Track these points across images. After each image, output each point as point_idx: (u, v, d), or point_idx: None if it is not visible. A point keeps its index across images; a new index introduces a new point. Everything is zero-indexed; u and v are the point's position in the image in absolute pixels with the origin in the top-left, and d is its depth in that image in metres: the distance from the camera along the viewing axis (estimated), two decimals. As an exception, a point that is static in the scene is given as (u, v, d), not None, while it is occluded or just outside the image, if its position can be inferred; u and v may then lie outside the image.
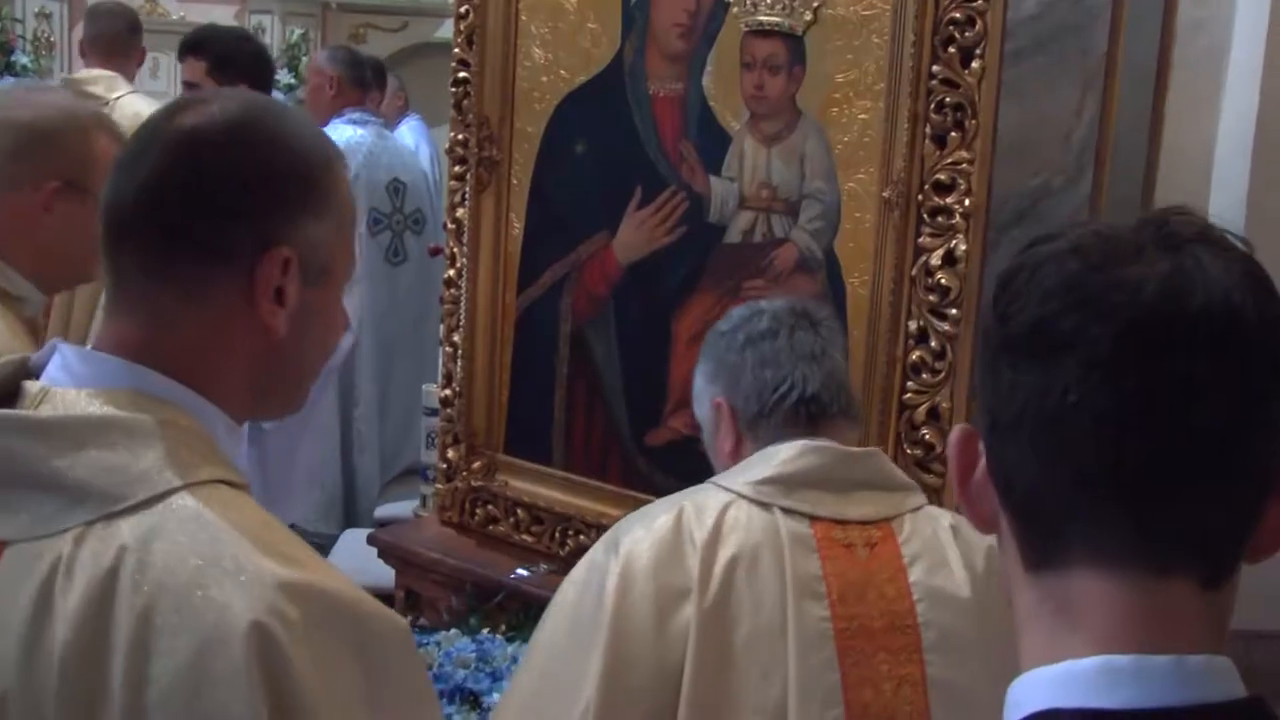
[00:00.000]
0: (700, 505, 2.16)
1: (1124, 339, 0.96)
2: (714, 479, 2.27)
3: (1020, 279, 1.02)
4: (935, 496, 2.90)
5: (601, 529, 2.79)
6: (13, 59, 9.84)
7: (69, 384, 1.35)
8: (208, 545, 1.25)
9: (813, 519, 2.16)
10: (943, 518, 2.25)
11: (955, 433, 1.11)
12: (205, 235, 1.37)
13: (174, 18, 10.10)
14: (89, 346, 1.42)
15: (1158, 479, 0.97)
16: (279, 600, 1.21)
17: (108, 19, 5.28)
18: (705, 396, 2.36)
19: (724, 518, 2.13)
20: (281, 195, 1.41)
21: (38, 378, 1.39)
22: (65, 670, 1.22)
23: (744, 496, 2.16)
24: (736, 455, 2.28)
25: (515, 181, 3.45)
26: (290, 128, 1.46)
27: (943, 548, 2.18)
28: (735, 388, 2.28)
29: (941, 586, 2.14)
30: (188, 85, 4.26)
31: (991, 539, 1.84)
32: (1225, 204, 3.41)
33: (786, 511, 2.15)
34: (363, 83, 5.74)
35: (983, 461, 1.07)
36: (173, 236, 1.37)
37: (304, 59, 9.93)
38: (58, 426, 1.31)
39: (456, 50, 3.52)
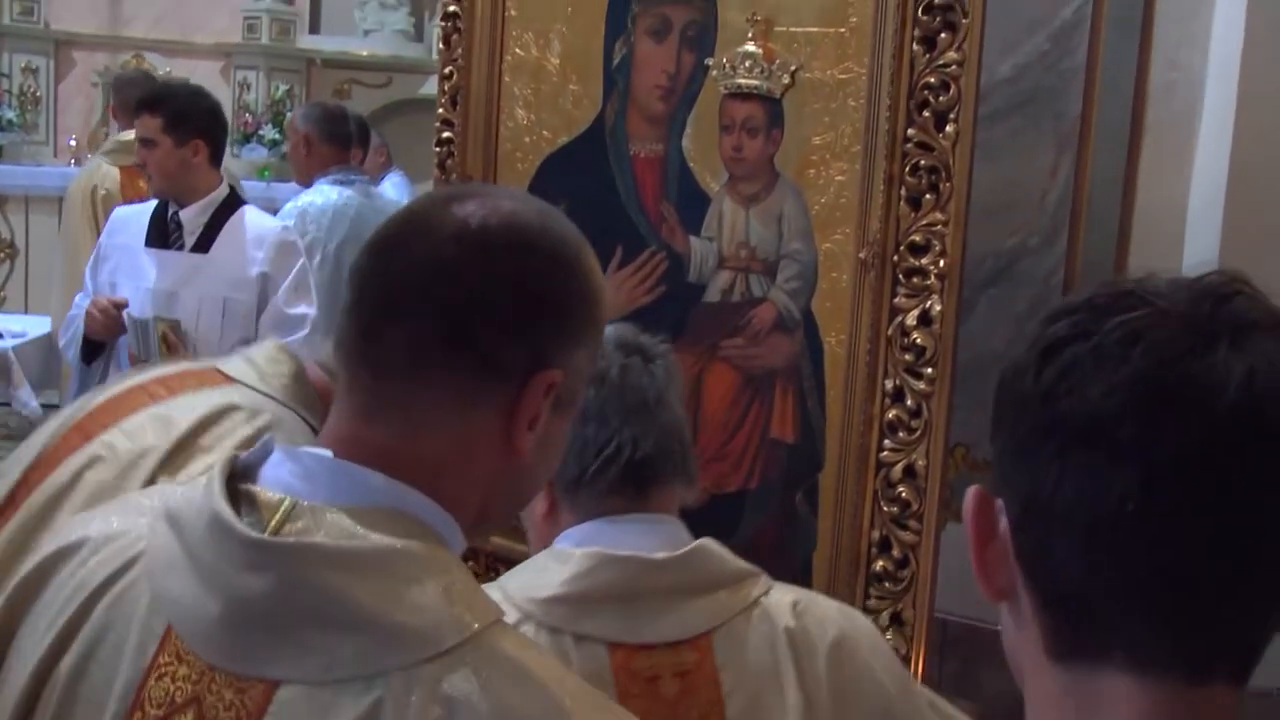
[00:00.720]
0: None
1: (1194, 453, 0.90)
2: (505, 579, 1.90)
3: (1076, 358, 0.94)
4: (911, 553, 2.93)
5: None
6: (-1, 113, 9.89)
7: (320, 498, 1.23)
8: (539, 700, 1.18)
9: (611, 646, 1.79)
10: (782, 616, 1.87)
11: (972, 497, 1.03)
12: (487, 344, 1.25)
13: (160, 73, 10.14)
14: (317, 445, 1.29)
15: (1216, 595, 0.92)
16: None
17: (130, 86, 6.20)
18: None
19: None
20: (568, 319, 1.31)
21: (254, 480, 1.26)
22: None
23: (532, 617, 1.80)
24: (551, 521, 1.94)
25: (497, 240, 3.48)
26: (579, 244, 1.34)
27: (775, 664, 1.83)
28: None
29: None
30: (143, 141, 4.28)
31: (837, 632, 1.76)
32: (1197, 264, 3.44)
33: (580, 638, 1.79)
34: (339, 139, 5.59)
35: (1002, 529, 1.01)
36: (452, 335, 1.25)
37: (289, 114, 9.98)
38: (371, 559, 1.19)
39: (440, 110, 3.56)
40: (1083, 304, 0.97)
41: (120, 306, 4.15)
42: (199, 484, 1.26)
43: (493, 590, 1.80)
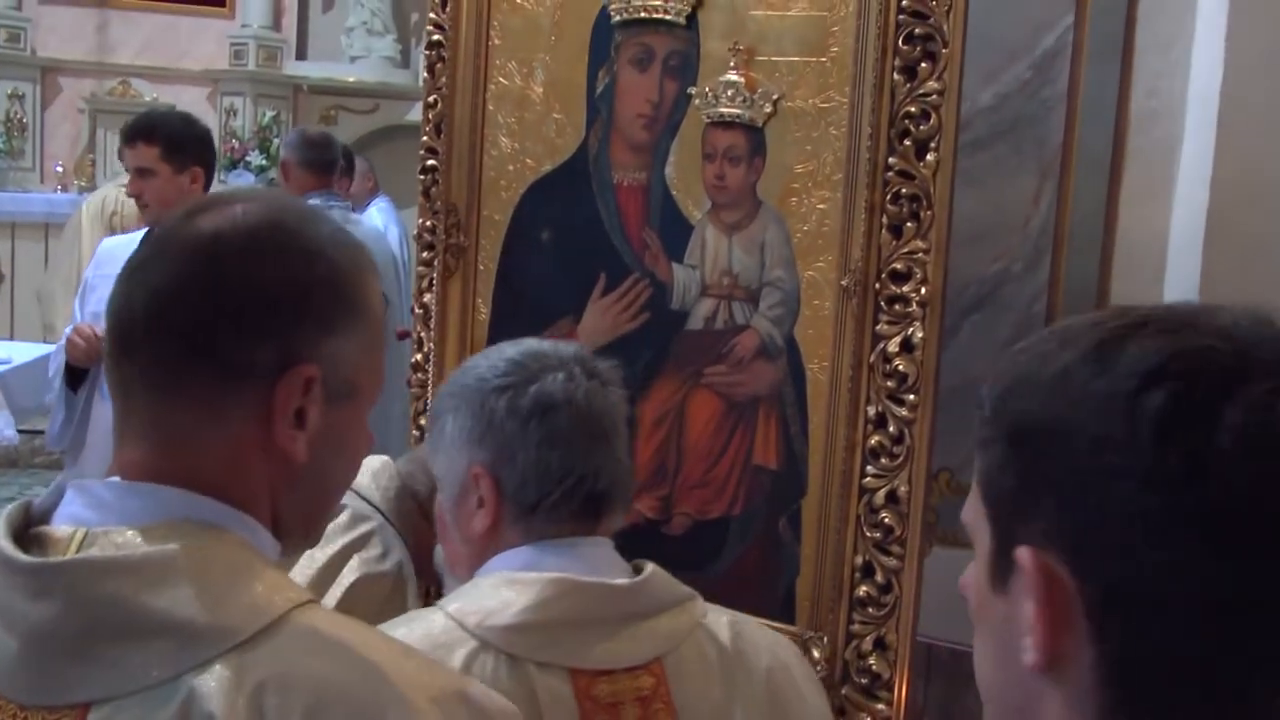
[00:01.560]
0: (432, 652, 1.71)
1: None
2: (446, 604, 1.84)
3: (1211, 443, 0.87)
4: (894, 578, 2.94)
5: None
6: (-14, 139, 9.90)
7: (112, 522, 1.23)
8: (350, 663, 1.20)
9: (573, 672, 1.76)
10: (721, 636, 1.88)
11: (1036, 563, 0.93)
12: (225, 351, 1.26)
13: (146, 99, 10.17)
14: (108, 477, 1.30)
15: None
16: (444, 709, 1.20)
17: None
18: (459, 455, 1.92)
19: (468, 671, 1.72)
20: (309, 310, 1.30)
21: (46, 523, 1.26)
22: None
23: (490, 645, 1.75)
24: (490, 539, 1.89)
25: (482, 267, 3.50)
26: (320, 232, 1.34)
27: (721, 687, 1.84)
28: (508, 464, 1.86)
29: None
30: (140, 171, 4.28)
31: (770, 658, 1.74)
32: (1178, 292, 3.48)
33: (542, 666, 1.75)
34: (321, 165, 5.63)
35: (1077, 615, 0.92)
36: (189, 351, 1.26)
37: (275, 140, 10.01)
38: (154, 563, 1.19)
39: (425, 139, 3.58)
40: (1184, 371, 0.90)
41: (101, 336, 4.16)
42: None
43: (434, 614, 1.82)
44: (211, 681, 1.14)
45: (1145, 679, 0.91)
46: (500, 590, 1.80)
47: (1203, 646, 0.88)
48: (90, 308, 4.32)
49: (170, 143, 4.28)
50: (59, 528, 1.24)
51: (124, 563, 1.18)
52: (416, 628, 1.78)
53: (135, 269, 1.30)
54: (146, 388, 1.28)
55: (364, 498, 2.90)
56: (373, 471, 3.01)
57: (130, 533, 1.21)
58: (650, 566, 1.90)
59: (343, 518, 2.81)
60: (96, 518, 1.24)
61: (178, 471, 1.26)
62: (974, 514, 1.03)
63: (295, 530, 1.38)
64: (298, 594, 1.24)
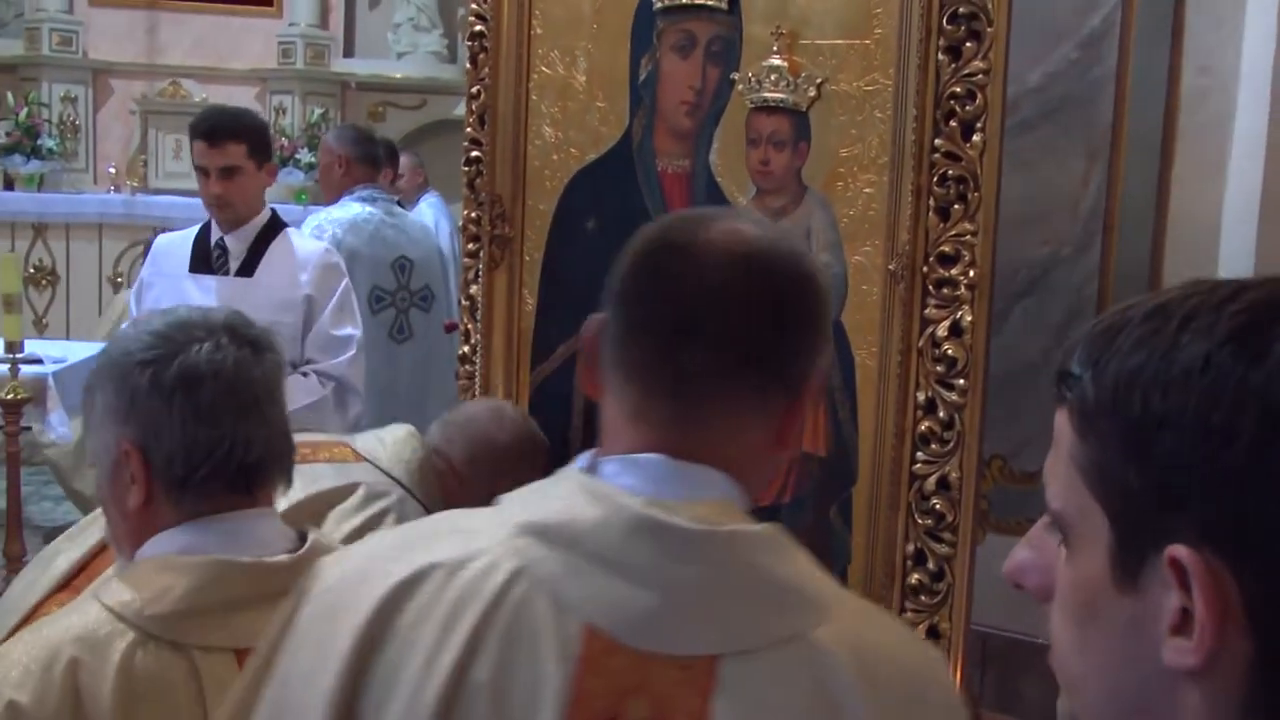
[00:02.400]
0: (91, 648, 1.69)
1: None
2: (103, 595, 1.77)
3: None
4: (947, 565, 2.91)
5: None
6: (39, 142, 9.97)
7: (671, 495, 1.36)
8: (909, 645, 1.43)
9: (238, 654, 1.72)
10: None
11: (1205, 570, 0.89)
12: (778, 365, 1.41)
13: (196, 99, 10.24)
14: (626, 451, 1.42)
15: None
16: None
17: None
18: (108, 431, 1.85)
19: (130, 665, 1.69)
20: (826, 335, 1.46)
21: None
22: None
23: (151, 634, 1.71)
24: (144, 516, 1.82)
25: (528, 258, 3.49)
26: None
27: None
28: (154, 440, 1.80)
29: None
30: (226, 170, 4.27)
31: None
32: (1232, 272, 3.42)
33: (207, 650, 1.73)
34: (372, 160, 5.76)
35: (1237, 613, 0.88)
36: (750, 359, 1.39)
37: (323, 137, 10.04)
38: (776, 540, 1.37)
39: (469, 130, 3.58)
40: None
41: None
42: (557, 500, 1.37)
43: (90, 605, 1.76)
44: (827, 640, 1.32)
45: None
46: (159, 576, 1.75)
47: None
48: (147, 304, 4.34)
49: (255, 139, 4.29)
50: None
51: (759, 536, 1.35)
52: (75, 621, 1.73)
53: (671, 273, 1.42)
54: (708, 374, 1.39)
55: (383, 470, 2.89)
56: (394, 441, 2.99)
57: (702, 508, 1.35)
58: (312, 536, 1.87)
59: (352, 500, 2.79)
60: (653, 489, 1.36)
61: (717, 459, 1.39)
62: (1077, 508, 0.97)
63: None
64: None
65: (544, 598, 1.31)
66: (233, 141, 4.25)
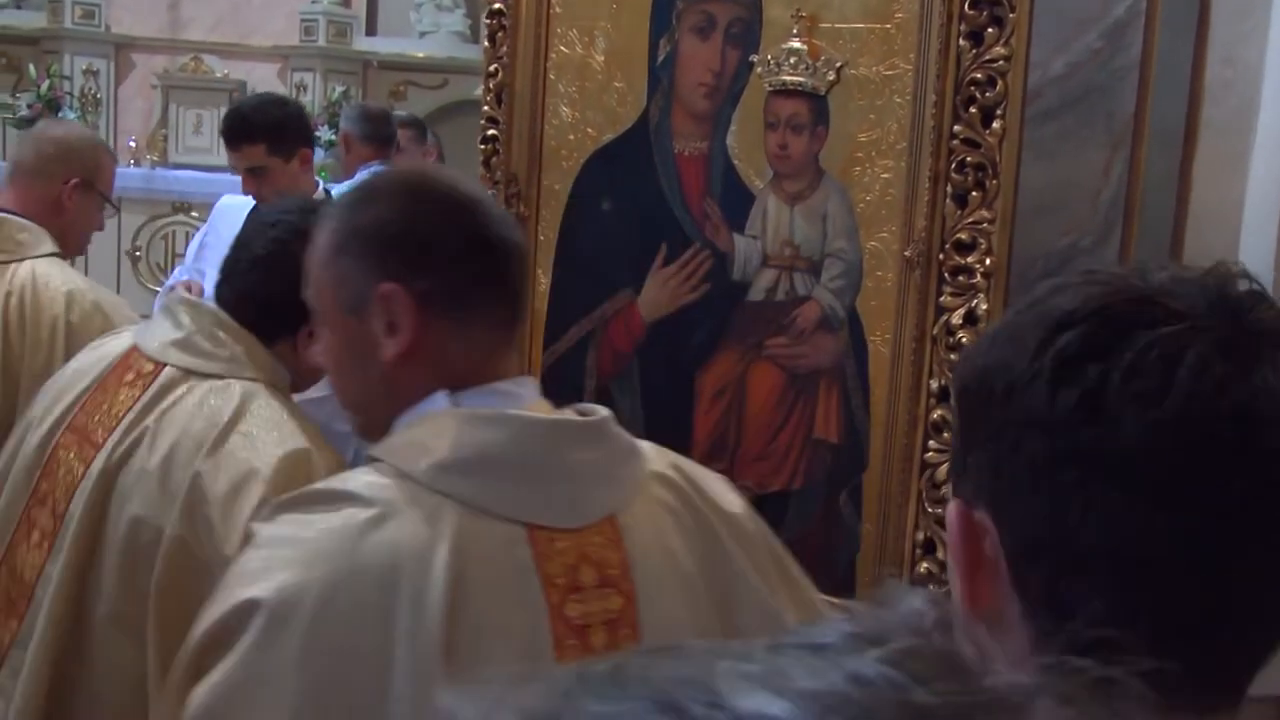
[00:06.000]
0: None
1: (1254, 493, 0.85)
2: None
3: (1103, 382, 0.86)
4: (957, 556, 2.90)
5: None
6: (60, 115, 9.99)
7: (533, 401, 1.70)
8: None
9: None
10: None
11: (957, 518, 0.95)
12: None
13: (217, 75, 10.25)
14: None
15: (1261, 632, 0.89)
16: None
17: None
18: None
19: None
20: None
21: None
22: None
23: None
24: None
25: (543, 238, 3.48)
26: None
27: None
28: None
29: None
30: (252, 171, 4.25)
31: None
32: (1253, 266, 3.38)
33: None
34: (378, 138, 5.78)
35: (989, 550, 0.93)
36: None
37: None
38: (613, 416, 1.72)
39: (485, 109, 3.56)
40: (1094, 313, 0.89)
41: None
42: (449, 436, 1.58)
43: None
44: (659, 470, 1.75)
45: (1071, 643, 0.87)
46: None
47: (1119, 605, 0.87)
48: (200, 264, 4.35)
49: (272, 135, 4.26)
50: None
51: (611, 415, 1.69)
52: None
53: (504, 216, 1.88)
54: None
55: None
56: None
57: (547, 404, 1.71)
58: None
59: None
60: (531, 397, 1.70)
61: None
62: None
63: None
64: None
65: (483, 520, 1.53)
66: (248, 144, 4.26)
